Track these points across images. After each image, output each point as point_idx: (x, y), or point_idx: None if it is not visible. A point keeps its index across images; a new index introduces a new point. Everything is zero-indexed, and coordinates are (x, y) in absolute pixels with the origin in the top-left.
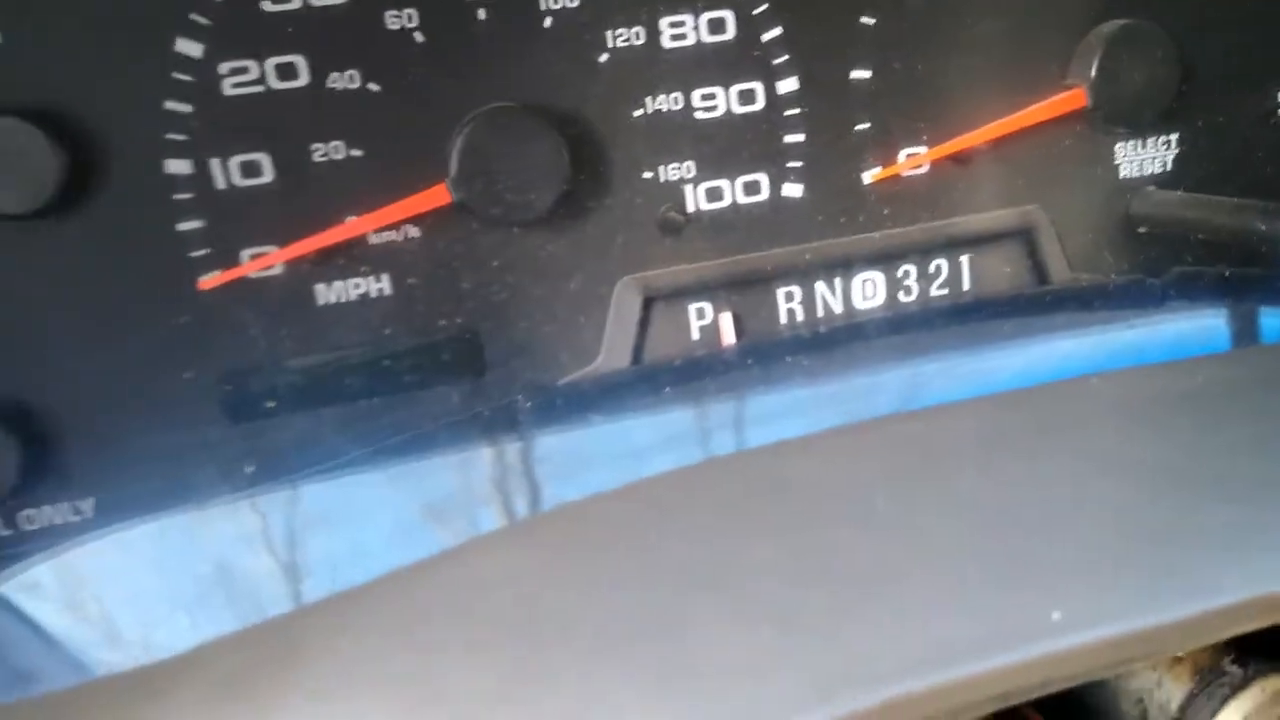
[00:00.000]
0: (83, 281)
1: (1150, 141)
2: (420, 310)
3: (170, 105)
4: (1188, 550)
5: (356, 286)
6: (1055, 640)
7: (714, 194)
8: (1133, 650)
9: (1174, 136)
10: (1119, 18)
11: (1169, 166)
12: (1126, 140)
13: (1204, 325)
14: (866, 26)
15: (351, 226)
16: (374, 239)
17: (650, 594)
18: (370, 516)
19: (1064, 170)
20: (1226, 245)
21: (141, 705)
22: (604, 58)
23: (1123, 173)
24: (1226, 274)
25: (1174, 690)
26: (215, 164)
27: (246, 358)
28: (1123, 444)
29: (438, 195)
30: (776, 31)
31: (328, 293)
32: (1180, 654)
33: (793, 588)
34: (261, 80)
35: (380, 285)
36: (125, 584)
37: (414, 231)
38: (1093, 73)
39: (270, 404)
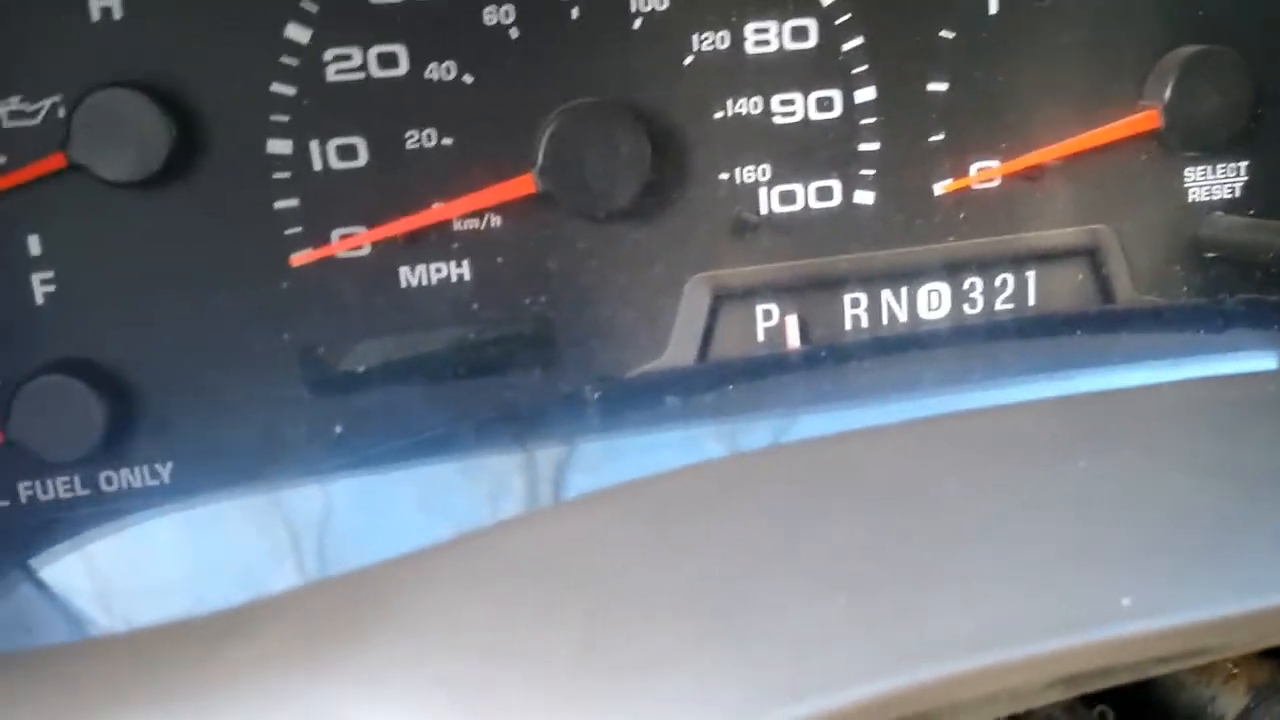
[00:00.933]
0: (181, 251)
1: (1220, 166)
2: (498, 296)
3: (276, 87)
4: (1256, 547)
5: (439, 271)
6: (1124, 625)
7: (787, 197)
8: (1198, 641)
9: (1244, 163)
10: (1196, 42)
11: (1238, 192)
12: (1197, 164)
13: (1268, 351)
14: (945, 40)
15: (438, 212)
16: (458, 225)
17: (728, 564)
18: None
19: (1133, 191)
20: None
21: (229, 643)
22: (689, 59)
23: (1192, 196)
24: None
25: (1229, 705)
26: (314, 146)
27: (331, 333)
28: (1194, 445)
29: (523, 184)
30: (858, 41)
31: (411, 275)
32: (1235, 670)
33: (867, 561)
34: (363, 68)
35: (461, 270)
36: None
37: (497, 219)
38: (1167, 94)
39: (351, 377)
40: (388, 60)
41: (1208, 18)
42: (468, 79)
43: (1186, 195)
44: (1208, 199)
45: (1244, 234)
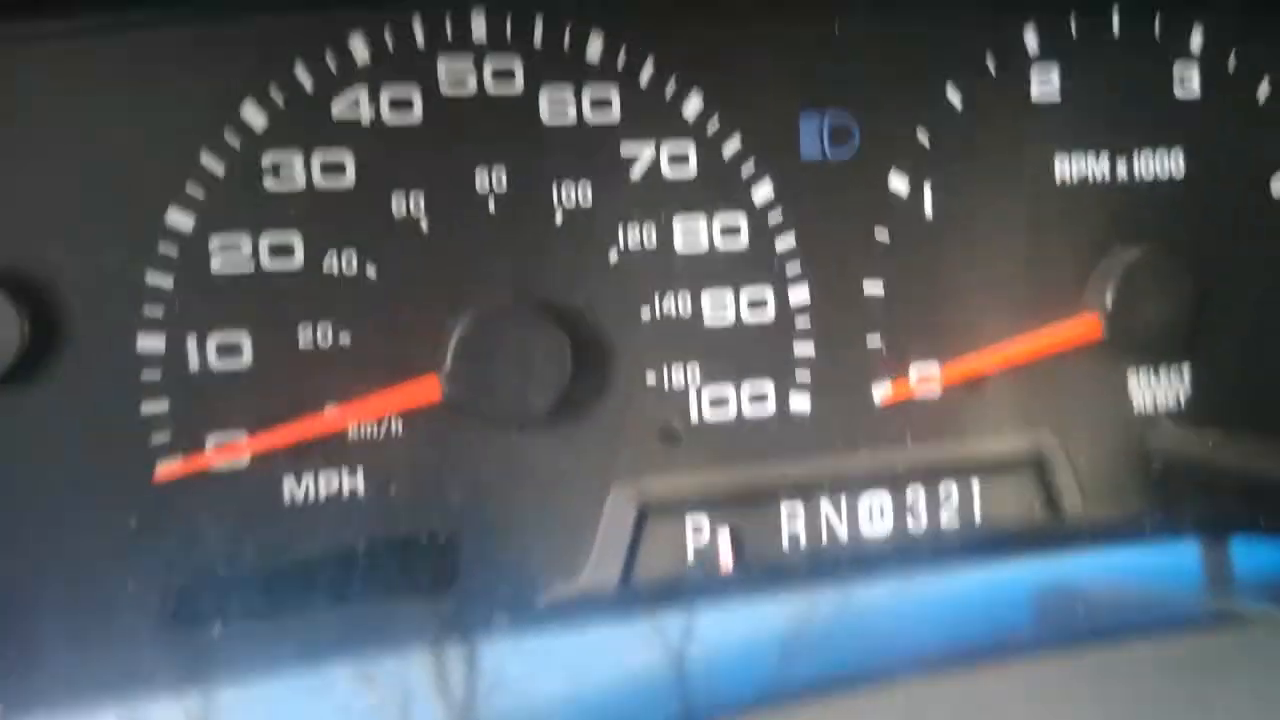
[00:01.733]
0: (32, 458)
1: (1165, 372)
2: (397, 511)
3: (152, 278)
4: None
5: (329, 484)
6: None
7: (719, 403)
8: None
9: (1190, 368)
10: (1136, 244)
11: (1185, 400)
12: (1140, 370)
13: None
14: (880, 242)
15: (331, 418)
16: (354, 433)
17: None
18: None
19: (1078, 398)
20: (1247, 486)
21: None
22: (615, 257)
23: (1137, 404)
24: (1245, 517)
25: None
26: (191, 343)
27: (200, 557)
28: None
29: (428, 390)
30: (790, 241)
31: (296, 489)
32: None
33: None
34: (254, 258)
35: (355, 483)
36: None
37: (398, 427)
38: (1108, 302)
39: (219, 608)
40: (281, 251)
41: (1148, 220)
42: (371, 273)
43: (1131, 404)
44: (1154, 407)
45: (1192, 446)
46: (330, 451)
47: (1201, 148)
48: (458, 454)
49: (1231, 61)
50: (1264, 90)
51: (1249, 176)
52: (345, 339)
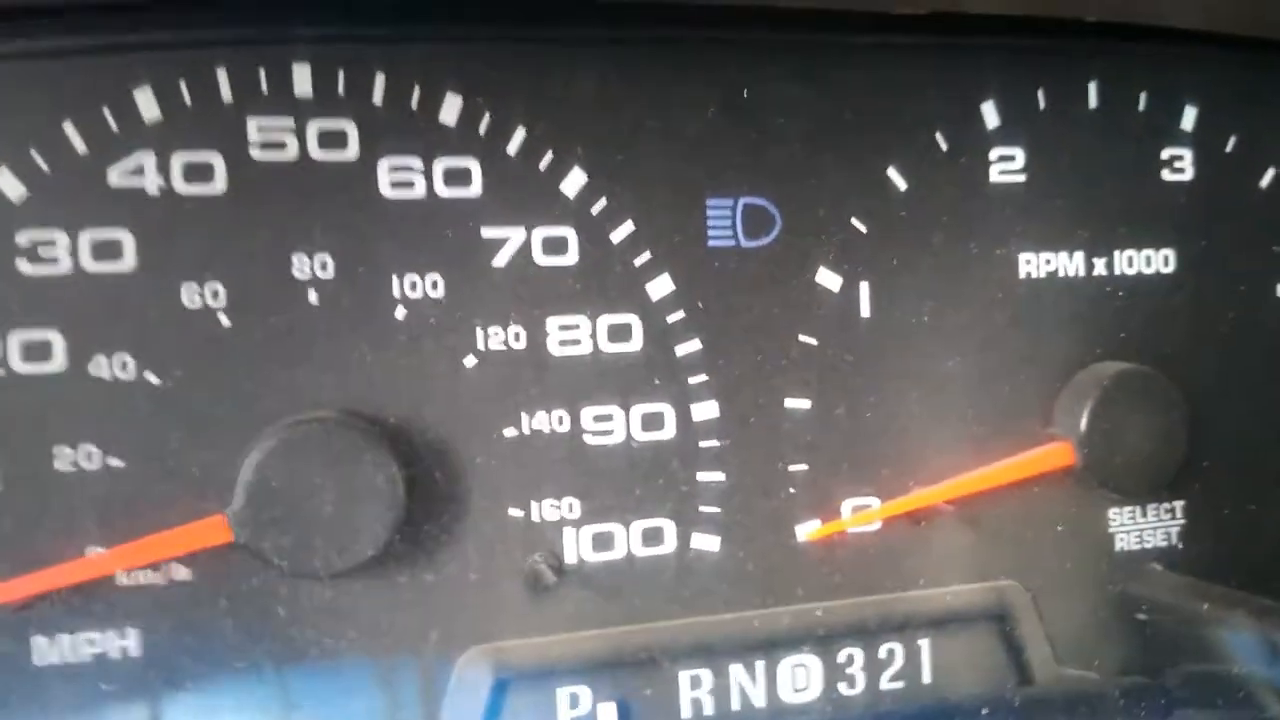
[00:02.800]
0: None
1: (1152, 509)
2: (177, 677)
3: None
4: None
5: (90, 643)
6: None
7: (602, 542)
8: None
9: (1180, 505)
10: (1116, 356)
11: (1175, 541)
12: (1123, 506)
13: None
14: (807, 346)
15: (95, 562)
16: (124, 579)
17: None
18: None
19: (1047, 538)
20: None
21: None
22: (471, 361)
23: (1119, 545)
24: (1241, 675)
25: None
26: None
27: None
28: None
29: (214, 530)
30: (694, 345)
31: (48, 650)
32: None
33: None
34: (1, 361)
35: (125, 643)
36: None
37: (181, 573)
38: (1082, 425)
39: None
40: (37, 350)
41: (1129, 329)
42: (152, 379)
43: (1113, 544)
44: (1138, 549)
45: (1183, 595)
46: (94, 603)
47: (1194, 242)
48: (255, 609)
49: (1231, 142)
50: (1269, 176)
51: (1250, 278)
52: (116, 462)
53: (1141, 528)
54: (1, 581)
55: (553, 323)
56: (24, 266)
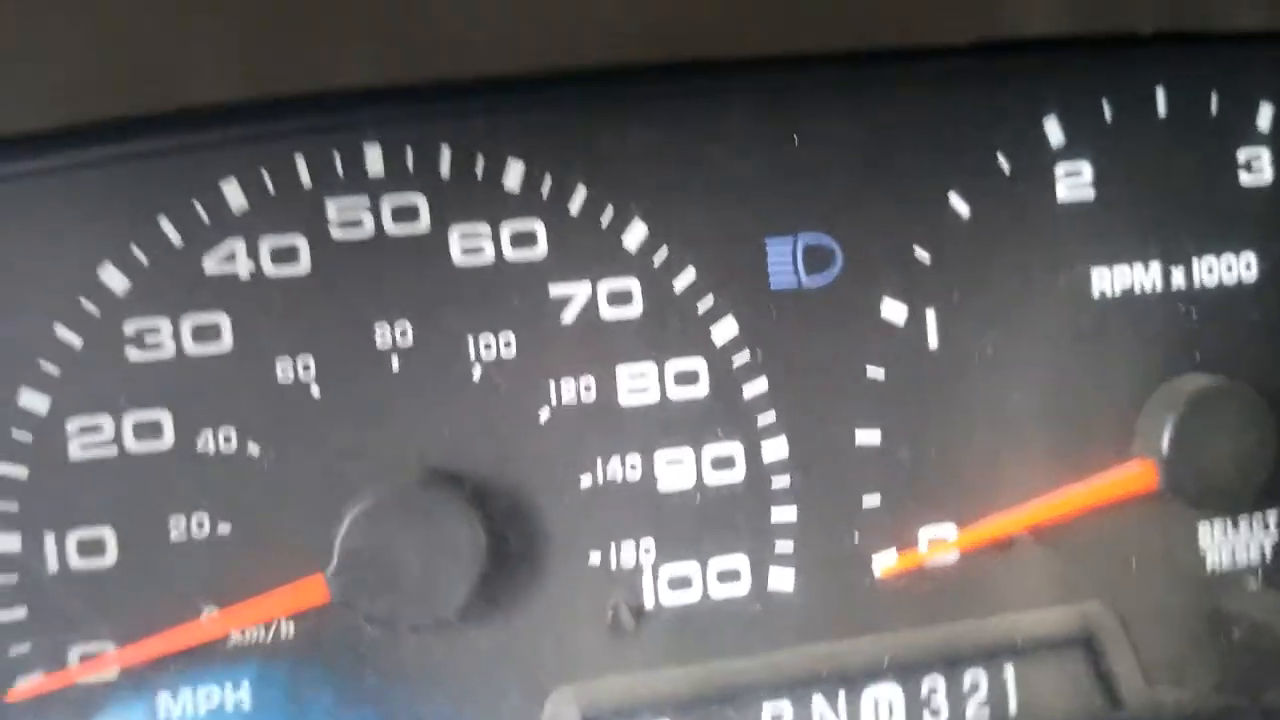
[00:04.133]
0: None
1: (1244, 523)
2: None
3: (3, 468)
4: None
5: (209, 698)
6: None
7: (679, 583)
8: None
9: (1274, 517)
10: (1198, 371)
11: (1269, 555)
12: (1213, 521)
13: None
14: (875, 380)
15: (210, 623)
16: (237, 638)
17: None
18: None
19: (1134, 558)
20: None
21: None
22: (545, 415)
23: (1210, 562)
24: None
25: None
26: (49, 540)
27: None
28: None
29: (313, 590)
30: (761, 386)
31: (172, 705)
32: None
33: None
34: (116, 440)
35: (239, 697)
36: None
37: (289, 629)
38: (1165, 446)
39: None
40: (148, 431)
41: (1211, 342)
42: (253, 450)
43: (1204, 562)
44: (1231, 566)
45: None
46: (211, 660)
47: (1277, 246)
48: (357, 661)
49: None
50: None
51: None
52: (224, 529)
53: (1233, 543)
54: (126, 645)
55: (622, 372)
56: (132, 354)
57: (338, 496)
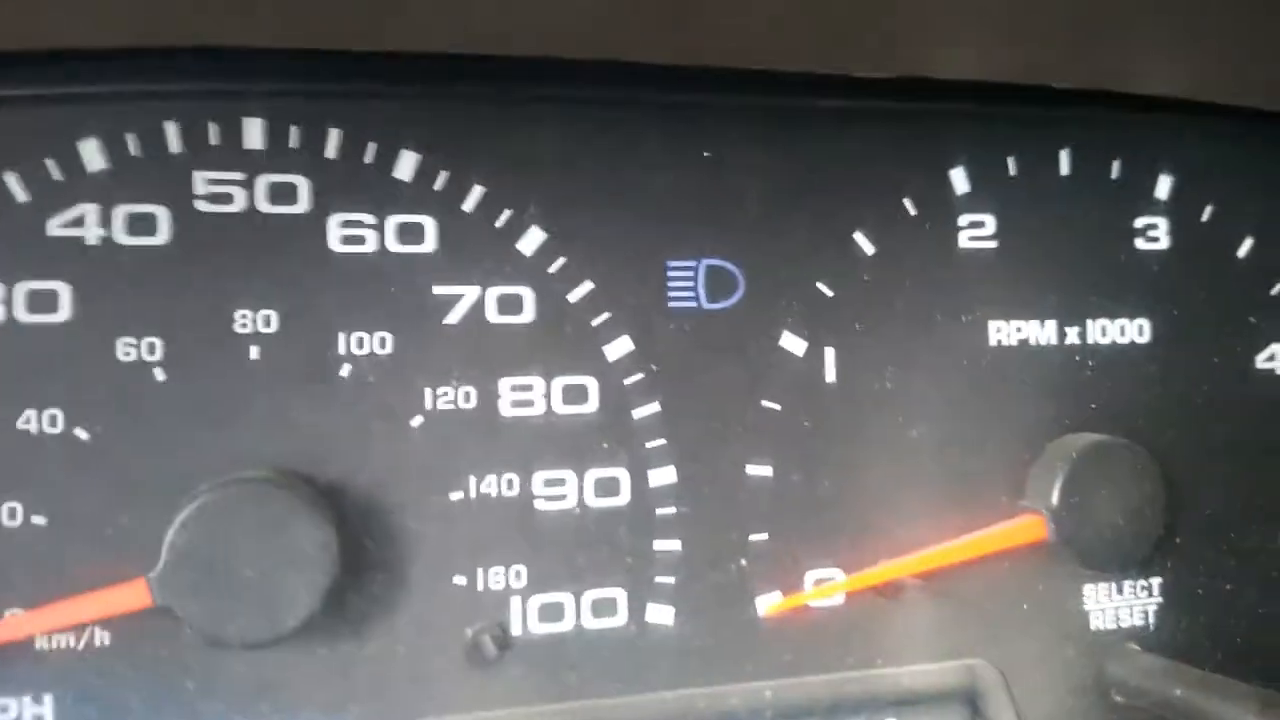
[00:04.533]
0: None
1: (1128, 586)
2: None
3: None
4: None
5: (4, 710)
6: None
7: (550, 612)
8: None
9: (1157, 582)
10: (1090, 427)
11: (1151, 619)
12: (1098, 583)
13: None
14: (769, 411)
15: (12, 624)
16: (43, 643)
17: None
18: None
19: (1020, 615)
20: None
21: None
22: (418, 421)
23: (1094, 623)
24: None
25: None
26: None
27: None
28: None
29: (134, 593)
30: (653, 408)
31: None
32: None
33: None
34: None
35: (39, 710)
36: None
37: (103, 637)
38: (1054, 500)
39: None
40: None
41: (1103, 399)
42: (81, 434)
43: (1088, 623)
44: (1114, 628)
45: (1158, 678)
46: (13, 667)
47: (1169, 312)
48: (179, 677)
49: (1207, 211)
50: (1246, 245)
51: (1227, 349)
52: (39, 520)
53: (1117, 605)
54: None
55: (505, 383)
56: None
57: (173, 492)
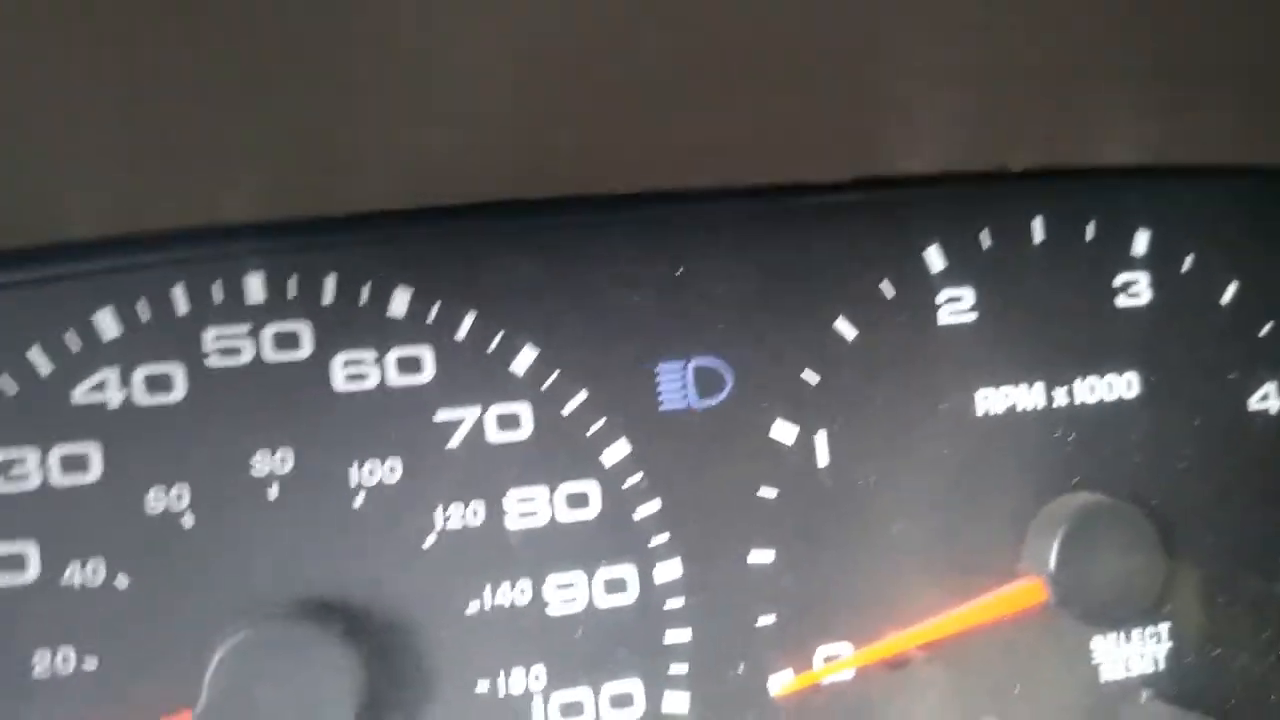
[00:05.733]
0: None
1: (1136, 634)
2: None
3: None
4: None
5: None
6: None
7: (570, 709)
8: None
9: (1165, 627)
10: (1082, 488)
11: (1163, 664)
12: (1106, 634)
13: None
14: (766, 501)
15: None
16: None
17: None
18: None
19: (1030, 674)
20: None
21: None
22: (430, 540)
23: (1105, 674)
24: None
25: None
26: None
27: None
28: None
29: None
30: (653, 507)
31: None
32: None
33: None
34: None
35: None
36: None
37: None
38: (1051, 561)
39: None
40: (11, 563)
41: (1094, 459)
42: (121, 583)
43: (1097, 675)
44: (1126, 675)
45: None
46: None
47: (1156, 365)
48: None
49: (1187, 262)
50: (1230, 291)
51: (1217, 395)
52: (90, 664)
53: (1127, 654)
54: None
55: (510, 496)
56: None
57: (209, 630)
